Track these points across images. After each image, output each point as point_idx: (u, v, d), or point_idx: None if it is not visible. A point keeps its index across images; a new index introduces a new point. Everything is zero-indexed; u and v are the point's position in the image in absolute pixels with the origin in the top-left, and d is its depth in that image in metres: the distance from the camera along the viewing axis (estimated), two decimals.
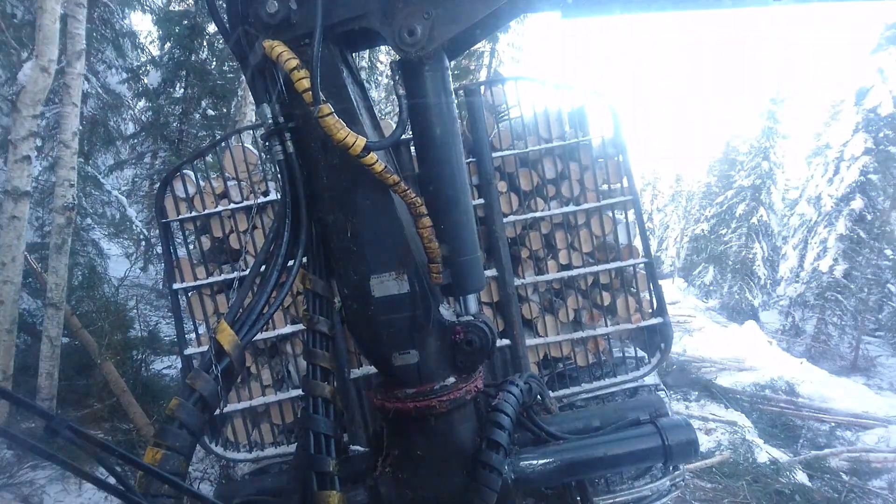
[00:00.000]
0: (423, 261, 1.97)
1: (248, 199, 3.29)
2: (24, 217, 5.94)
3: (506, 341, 3.33)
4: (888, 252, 19.17)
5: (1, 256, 5.89)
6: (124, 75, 10.75)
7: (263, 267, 2.00)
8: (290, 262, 2.01)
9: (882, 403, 10.35)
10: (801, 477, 6.82)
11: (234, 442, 3.43)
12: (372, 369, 3.37)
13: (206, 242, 3.36)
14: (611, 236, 3.41)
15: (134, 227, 9.97)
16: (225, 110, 10.86)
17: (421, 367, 1.97)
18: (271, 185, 3.31)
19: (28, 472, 5.24)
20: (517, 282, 3.34)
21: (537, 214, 3.30)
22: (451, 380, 2.02)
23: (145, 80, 10.81)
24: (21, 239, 5.92)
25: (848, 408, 9.83)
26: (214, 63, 10.72)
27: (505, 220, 3.27)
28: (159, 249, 10.34)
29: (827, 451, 7.90)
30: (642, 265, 3.44)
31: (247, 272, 3.04)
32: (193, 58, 10.34)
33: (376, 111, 2.30)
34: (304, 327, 3.27)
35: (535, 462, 2.04)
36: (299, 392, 3.37)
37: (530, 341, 3.42)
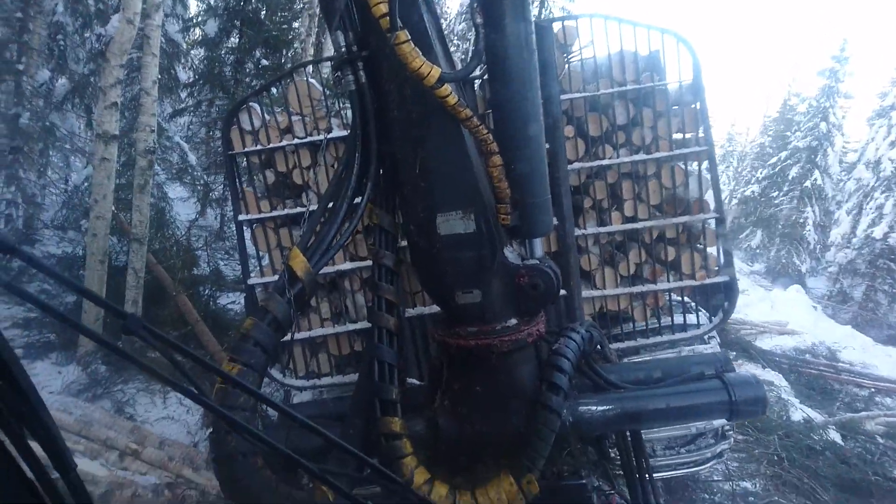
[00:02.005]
0: (491, 201, 1.93)
1: (311, 134, 3.30)
2: (113, 159, 6.37)
3: (562, 292, 3.29)
4: None
5: (94, 194, 6.37)
6: (182, 25, 10.95)
7: (332, 201, 2.01)
8: (358, 198, 2.01)
9: None
10: (835, 436, 6.78)
11: (293, 369, 3.59)
12: (425, 310, 3.42)
13: (269, 177, 3.41)
14: (681, 188, 3.25)
15: (194, 172, 10.34)
16: (282, 60, 10.91)
17: (483, 306, 1.97)
18: (334, 121, 3.30)
19: (121, 384, 5.83)
20: (577, 232, 3.26)
21: (604, 162, 3.17)
22: (513, 321, 2.01)
23: (202, 30, 10.94)
24: (111, 179, 6.37)
25: (890, 374, 9.54)
26: (264, 12, 10.70)
27: (569, 167, 3.17)
28: (216, 194, 10.74)
29: (863, 414, 7.79)
30: (712, 221, 3.28)
31: (309, 208, 3.10)
32: (247, 7, 10.36)
33: None
34: (368, 262, 3.35)
35: (593, 408, 2.04)
36: (356, 326, 3.47)
37: (587, 293, 3.36)
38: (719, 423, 3.70)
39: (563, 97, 3.10)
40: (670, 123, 3.17)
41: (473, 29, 1.77)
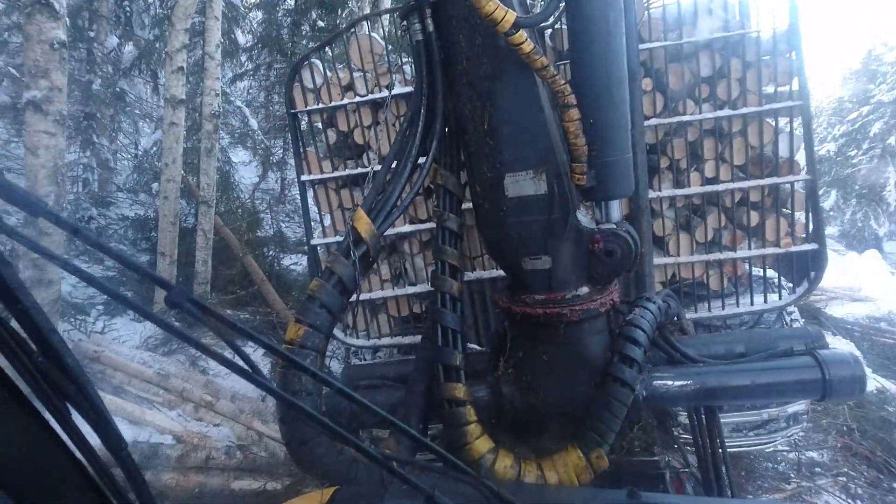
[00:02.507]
0: (565, 159, 1.80)
1: (372, 91, 3.22)
2: (181, 123, 6.59)
3: None
4: None
5: (164, 158, 6.64)
6: None
7: (396, 161, 1.93)
8: (423, 158, 1.93)
9: None
10: None
11: (354, 329, 3.63)
12: (485, 274, 3.34)
13: (331, 136, 3.38)
14: (769, 147, 2.97)
15: (255, 136, 10.54)
16: (337, 21, 10.80)
17: (552, 274, 1.86)
18: (396, 77, 3.20)
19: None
20: (652, 194, 3.06)
21: (685, 118, 2.93)
22: (585, 290, 1.89)
23: None
24: (179, 142, 6.60)
25: None
26: None
27: (646, 123, 2.94)
28: (276, 158, 10.93)
29: None
30: (802, 183, 2.99)
31: (372, 168, 3.04)
32: None
33: None
34: (428, 224, 3.29)
35: (669, 382, 1.92)
36: (414, 289, 3.45)
37: (658, 260, 3.18)
38: (795, 407, 3.49)
39: (641, 47, 2.85)
40: (761, 75, 2.87)
41: None
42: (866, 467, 5.28)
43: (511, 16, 1.54)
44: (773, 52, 2.88)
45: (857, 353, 7.93)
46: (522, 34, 1.58)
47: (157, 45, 9.26)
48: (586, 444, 1.78)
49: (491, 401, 2.01)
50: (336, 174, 3.35)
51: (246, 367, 0.83)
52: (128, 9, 9.50)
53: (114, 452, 0.74)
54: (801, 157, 3.01)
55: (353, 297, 1.80)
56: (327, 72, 3.24)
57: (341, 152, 3.44)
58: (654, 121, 2.95)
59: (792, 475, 5.03)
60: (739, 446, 3.35)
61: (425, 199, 3.32)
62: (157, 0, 9.59)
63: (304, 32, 10.85)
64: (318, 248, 3.46)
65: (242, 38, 11.40)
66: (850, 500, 4.81)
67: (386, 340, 3.58)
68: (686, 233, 3.15)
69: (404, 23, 1.82)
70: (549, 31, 2.94)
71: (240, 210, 8.90)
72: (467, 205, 2.21)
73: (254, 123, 10.70)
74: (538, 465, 1.79)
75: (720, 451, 2.09)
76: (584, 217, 1.90)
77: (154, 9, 9.68)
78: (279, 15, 10.89)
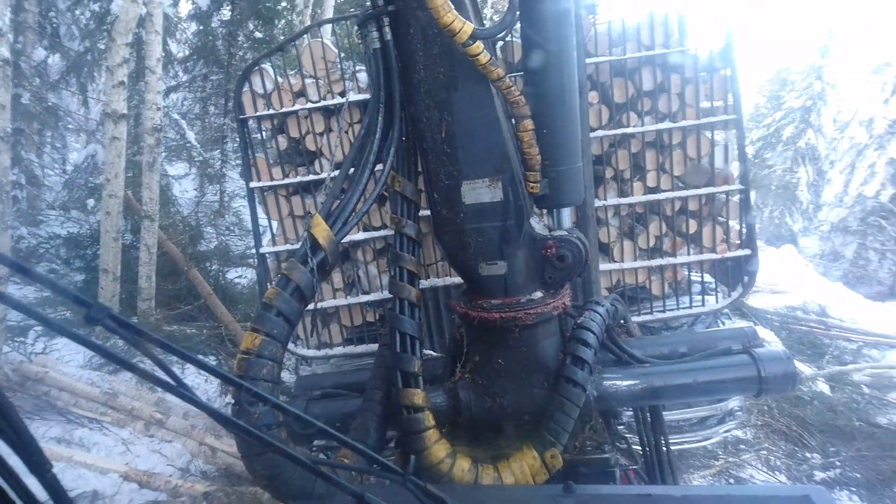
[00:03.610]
0: (519, 168, 1.85)
1: (324, 98, 3.20)
2: (123, 137, 6.39)
3: None
4: None
5: (106, 173, 6.41)
6: None
7: (353, 167, 1.93)
8: (380, 165, 1.94)
9: None
10: (823, 387, 7.20)
11: (304, 339, 3.57)
12: (439, 281, 3.37)
13: (282, 142, 3.32)
14: (706, 159, 3.15)
15: (192, 150, 10.23)
16: (274, 32, 10.68)
17: (508, 279, 1.91)
18: (349, 85, 3.19)
19: (139, 357, 5.95)
20: (598, 203, 3.18)
21: (628, 130, 3.07)
22: (539, 294, 1.95)
23: (194, 3, 10.65)
24: (121, 157, 6.41)
25: (877, 329, 9.84)
26: None
27: (592, 134, 3.06)
28: (213, 171, 10.65)
29: (851, 366, 8.20)
30: (736, 193, 3.19)
31: (330, 174, 3.02)
32: None
33: None
34: (382, 232, 3.29)
35: (618, 383, 2.00)
36: (368, 297, 3.43)
37: (604, 266, 3.30)
38: (731, 403, 3.69)
39: (588, 61, 2.97)
40: (699, 91, 3.05)
41: None
42: (784, 441, 5.90)
43: (468, 27, 1.58)
44: (710, 69, 3.07)
45: (777, 336, 8.60)
46: (479, 45, 1.63)
47: (89, 58, 8.85)
48: (541, 444, 1.83)
49: (448, 406, 2.03)
50: (287, 181, 3.30)
51: (171, 381, 0.81)
52: (55, 20, 9.05)
53: (39, 475, 0.71)
54: (735, 168, 3.21)
55: (310, 306, 1.78)
56: (278, 77, 3.19)
57: (292, 159, 3.39)
58: (599, 132, 3.08)
59: (720, 452, 5.44)
60: (681, 444, 3.51)
61: (379, 207, 3.32)
62: (87, 11, 9.16)
63: (240, 43, 10.65)
64: (268, 256, 3.39)
65: (176, 49, 11.08)
66: (770, 472, 5.34)
67: (338, 350, 3.54)
68: (630, 240, 3.29)
69: (361, 30, 1.83)
70: (501, 43, 3.02)
71: (181, 224, 8.63)
72: (424, 212, 2.24)
73: (191, 136, 10.39)
74: (495, 468, 1.82)
75: (665, 447, 2.19)
76: (537, 224, 1.96)
77: (84, 20, 9.25)
78: (214, 26, 10.64)
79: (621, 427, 2.68)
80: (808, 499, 1.11)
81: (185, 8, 11.37)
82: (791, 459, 5.66)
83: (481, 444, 2.03)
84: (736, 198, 3.21)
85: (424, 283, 3.37)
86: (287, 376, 5.41)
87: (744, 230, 3.24)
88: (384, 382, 1.98)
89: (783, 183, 24.00)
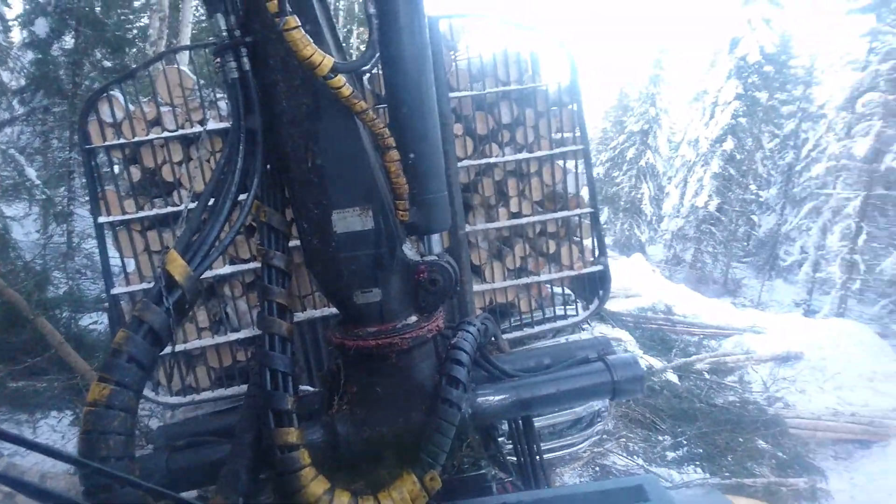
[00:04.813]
0: (389, 197, 1.90)
1: (182, 127, 3.03)
2: None
3: None
4: (753, 188, 22.07)
5: None
6: (2, 25, 9.60)
7: (213, 199, 1.85)
8: (243, 195, 1.88)
9: (741, 317, 12.18)
10: (672, 377, 8.21)
11: (167, 386, 3.28)
12: (317, 313, 3.30)
13: (135, 173, 3.08)
14: (560, 185, 3.45)
15: (33, 187, 9.07)
16: (125, 61, 9.96)
17: (383, 305, 1.93)
18: (209, 112, 3.06)
19: None
20: (468, 228, 3.33)
21: (492, 160, 3.27)
22: (413, 318, 1.99)
23: (30, 30, 9.63)
24: None
25: (714, 322, 11.45)
26: (99, 8, 9.69)
27: (459, 164, 3.22)
28: (59, 208, 9.55)
29: (694, 357, 9.42)
30: (588, 215, 3.53)
31: (187, 206, 2.84)
32: (81, 4, 9.29)
33: None
34: (250, 265, 3.14)
35: (491, 398, 2.09)
36: (238, 335, 3.25)
37: (477, 287, 3.45)
38: (597, 405, 4.01)
39: (451, 95, 3.14)
40: (550, 123, 3.34)
41: (367, 19, 1.72)
42: (640, 428, 6.68)
43: (329, 61, 1.60)
44: (559, 104, 3.39)
45: (632, 335, 9.58)
46: (341, 79, 1.66)
47: None
48: (420, 468, 1.85)
49: (326, 441, 1.98)
50: (141, 214, 3.05)
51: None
52: None
53: None
54: (585, 193, 3.55)
55: (168, 349, 1.66)
56: (130, 105, 2.96)
57: (147, 191, 3.15)
58: (466, 162, 3.25)
59: (585, 445, 6.00)
60: (553, 450, 3.73)
61: (247, 238, 3.19)
62: None
63: (86, 72, 9.74)
64: (121, 297, 3.09)
65: (9, 78, 9.86)
66: (629, 456, 6.04)
67: (206, 394, 3.30)
68: (498, 261, 3.48)
69: (218, 60, 1.78)
70: (367, 75, 3.09)
71: (24, 269, 7.57)
72: (294, 242, 2.19)
73: (31, 172, 9.18)
74: (375, 498, 1.80)
75: (538, 454, 2.33)
76: (409, 250, 2.02)
77: None
78: (56, 54, 9.63)
79: (502, 439, 2.81)
80: (641, 487, 1.24)
81: (17, 35, 10.15)
82: (646, 443, 6.43)
83: (363, 475, 2.00)
84: (587, 220, 3.54)
85: (301, 316, 3.28)
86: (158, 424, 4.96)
87: (596, 249, 3.58)
88: (255, 423, 1.88)
89: (630, 198, 26.90)
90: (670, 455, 6.26)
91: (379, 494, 1.83)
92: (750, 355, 9.69)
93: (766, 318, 12.22)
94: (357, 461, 2.02)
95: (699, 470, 5.98)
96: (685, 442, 6.45)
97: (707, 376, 8.65)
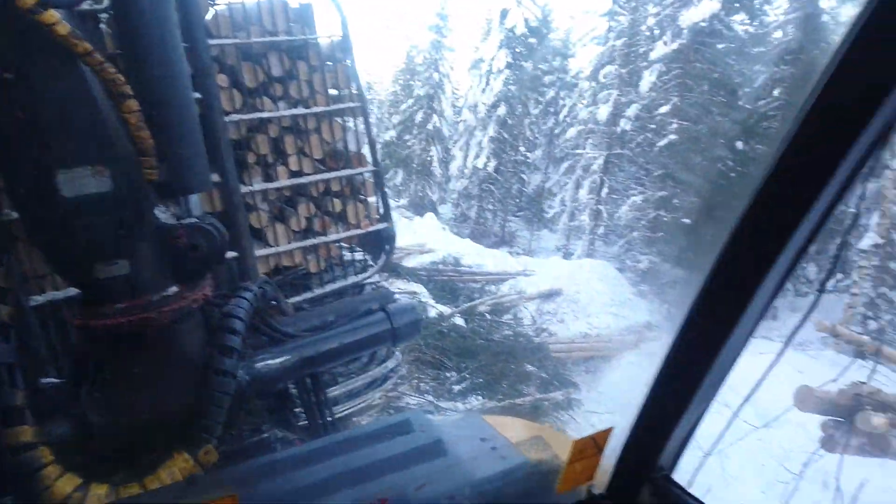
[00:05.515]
0: (132, 153, 1.68)
1: None
2: None
3: (232, 253, 3.14)
4: (522, 150, 25.09)
5: None
6: None
7: None
8: None
9: (516, 263, 14.29)
10: (459, 321, 9.42)
11: None
12: (62, 294, 2.81)
13: None
14: (340, 143, 3.43)
15: None
16: None
17: (133, 277, 1.73)
18: None
19: None
20: (244, 189, 3.13)
21: (264, 115, 3.09)
22: (174, 289, 1.82)
23: None
24: None
25: (494, 269, 13.28)
26: None
27: (227, 118, 2.97)
28: None
29: (477, 301, 10.82)
30: (371, 173, 3.58)
31: None
32: None
33: None
34: None
35: (271, 362, 2.04)
36: None
37: (260, 251, 3.29)
38: (390, 363, 4.21)
39: (211, 42, 2.85)
40: (325, 78, 3.27)
41: None
42: (430, 369, 7.44)
43: None
44: (333, 59, 3.32)
45: (426, 287, 10.40)
46: (54, 14, 1.39)
47: None
48: (193, 444, 1.75)
49: (76, 434, 1.74)
50: None
51: None
52: None
53: None
54: (367, 151, 3.59)
55: None
56: None
57: None
58: (235, 116, 3.01)
59: (378, 391, 6.53)
60: (355, 393, 3.82)
61: None
62: None
63: None
64: None
65: None
66: (420, 395, 6.75)
67: None
68: (282, 223, 3.36)
69: None
70: (105, 16, 2.63)
71: None
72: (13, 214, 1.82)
73: None
74: (141, 484, 1.65)
75: (327, 411, 2.37)
76: (163, 213, 1.83)
77: None
78: None
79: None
80: (408, 421, 1.36)
81: None
82: (436, 382, 7.22)
83: (127, 463, 1.81)
84: (371, 178, 3.60)
85: (40, 298, 2.76)
86: None
87: (380, 206, 3.67)
88: None
89: (421, 161, 28.21)
90: (456, 388, 7.14)
91: (146, 479, 1.68)
92: (522, 295, 11.28)
93: (535, 263, 14.31)
94: (120, 450, 1.82)
95: (480, 397, 6.88)
96: (468, 375, 7.38)
97: (488, 317, 9.95)
